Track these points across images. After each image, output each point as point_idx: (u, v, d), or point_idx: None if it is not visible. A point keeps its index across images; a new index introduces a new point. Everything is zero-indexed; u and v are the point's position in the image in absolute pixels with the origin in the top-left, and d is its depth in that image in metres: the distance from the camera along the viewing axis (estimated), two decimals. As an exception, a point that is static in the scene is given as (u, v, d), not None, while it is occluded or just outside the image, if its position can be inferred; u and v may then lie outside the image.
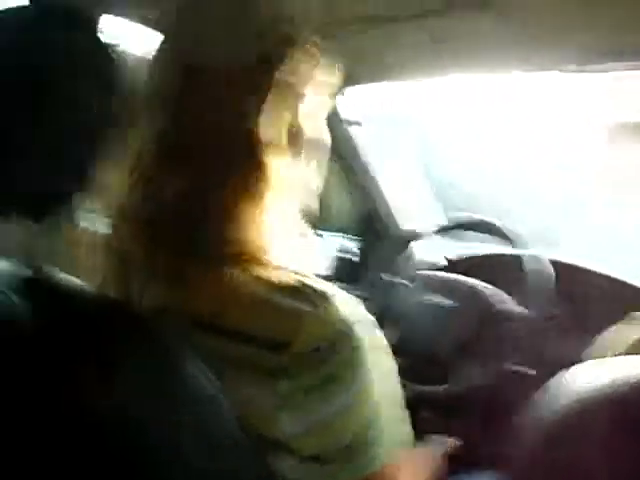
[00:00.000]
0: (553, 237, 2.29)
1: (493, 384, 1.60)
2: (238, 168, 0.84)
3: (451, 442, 1.34)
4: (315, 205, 0.96)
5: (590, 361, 0.68)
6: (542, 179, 2.41)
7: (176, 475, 0.75)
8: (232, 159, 0.84)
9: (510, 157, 2.50)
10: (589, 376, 0.58)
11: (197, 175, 0.84)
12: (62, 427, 0.69)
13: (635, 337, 0.80)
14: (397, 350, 1.65)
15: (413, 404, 1.74)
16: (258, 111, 0.84)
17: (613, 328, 0.83)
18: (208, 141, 0.84)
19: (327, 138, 0.95)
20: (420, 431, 1.76)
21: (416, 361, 1.70)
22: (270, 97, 0.85)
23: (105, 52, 0.80)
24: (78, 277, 0.87)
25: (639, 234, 2.02)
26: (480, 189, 2.46)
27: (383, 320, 1.86)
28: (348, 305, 0.83)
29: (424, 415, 1.81)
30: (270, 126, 0.85)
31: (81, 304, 0.82)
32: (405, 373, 1.62)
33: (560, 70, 1.45)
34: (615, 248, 2.23)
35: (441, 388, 1.61)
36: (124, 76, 0.81)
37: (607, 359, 0.75)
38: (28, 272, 0.82)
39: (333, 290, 0.83)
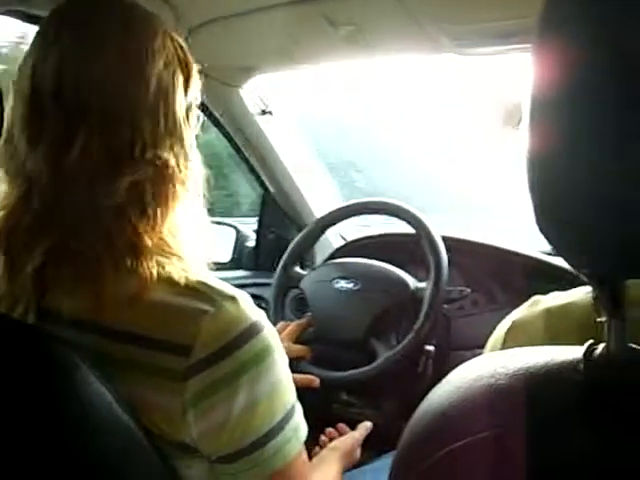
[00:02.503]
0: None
1: (405, 364, 1.62)
2: (141, 163, 0.83)
3: (369, 426, 1.35)
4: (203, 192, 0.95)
5: (483, 355, 0.70)
6: (438, 162, 2.48)
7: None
8: (135, 155, 0.82)
9: (413, 140, 2.55)
10: (473, 368, 0.60)
11: (92, 182, 0.81)
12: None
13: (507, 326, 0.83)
14: (312, 339, 1.70)
15: (333, 390, 1.79)
16: (156, 109, 0.84)
17: (513, 313, 0.85)
18: (106, 143, 0.82)
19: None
20: (342, 414, 1.80)
21: (332, 348, 1.71)
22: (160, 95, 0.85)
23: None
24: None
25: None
26: (382, 172, 2.51)
27: (295, 309, 1.90)
28: (247, 302, 0.83)
29: (345, 399, 1.84)
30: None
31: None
32: (321, 361, 1.67)
33: (457, 53, 1.47)
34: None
35: (357, 372, 1.62)
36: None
37: (497, 352, 0.77)
38: None
39: (231, 288, 0.83)
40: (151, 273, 0.80)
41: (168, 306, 0.80)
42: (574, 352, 0.55)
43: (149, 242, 0.82)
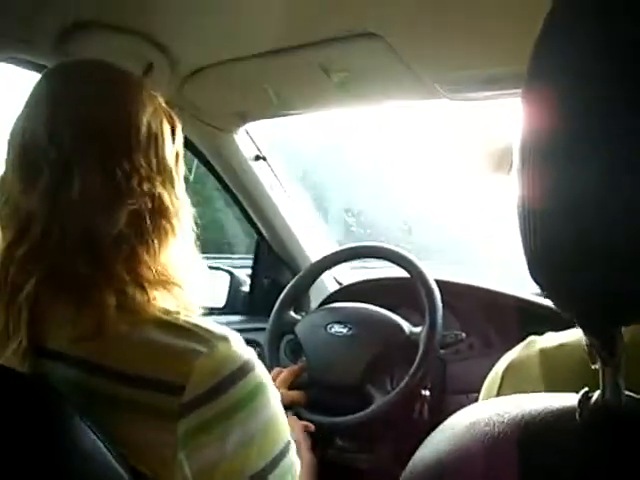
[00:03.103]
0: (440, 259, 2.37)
1: (401, 408, 1.61)
2: (136, 201, 0.85)
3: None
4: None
5: (478, 402, 0.70)
6: (435, 206, 2.50)
7: None
8: (132, 192, 0.85)
9: (407, 184, 2.57)
10: (469, 415, 0.59)
11: (93, 212, 0.84)
12: None
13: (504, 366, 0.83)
14: (307, 384, 1.68)
15: (328, 436, 1.77)
16: (153, 152, 0.89)
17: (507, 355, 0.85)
18: (106, 182, 0.85)
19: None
20: (336, 460, 1.78)
21: (327, 393, 1.70)
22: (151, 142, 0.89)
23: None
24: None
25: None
26: (377, 216, 2.52)
27: (290, 354, 1.89)
28: (239, 342, 0.84)
29: (340, 445, 1.82)
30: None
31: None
32: (316, 406, 1.65)
33: (450, 99, 1.49)
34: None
35: (352, 417, 1.60)
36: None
37: (492, 399, 0.76)
38: None
39: (222, 329, 0.84)
40: (145, 309, 0.82)
41: (160, 345, 0.81)
42: (570, 399, 0.54)
43: (149, 273, 0.84)
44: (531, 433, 0.53)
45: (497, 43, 1.21)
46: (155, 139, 0.89)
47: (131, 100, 0.89)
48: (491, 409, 0.58)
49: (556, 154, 0.49)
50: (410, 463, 0.61)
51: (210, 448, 0.79)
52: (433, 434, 0.61)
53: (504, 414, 0.56)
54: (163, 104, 0.95)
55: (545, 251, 0.51)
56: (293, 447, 0.88)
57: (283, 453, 0.85)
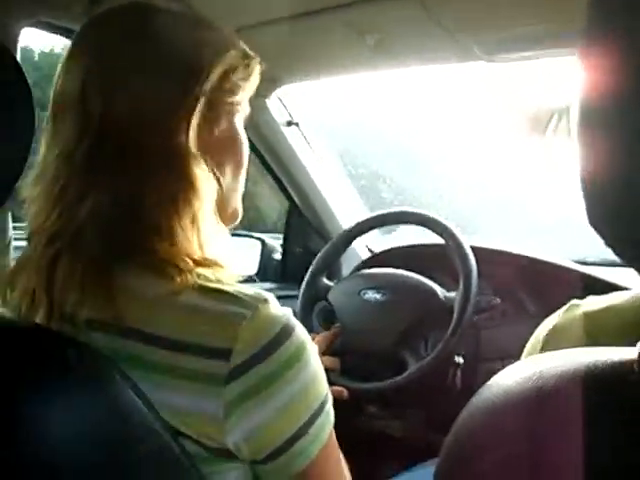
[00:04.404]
0: (473, 225, 2.36)
1: (435, 375, 1.61)
2: (167, 177, 0.84)
3: None
4: (239, 207, 0.98)
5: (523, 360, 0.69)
6: (467, 171, 2.48)
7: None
8: (161, 169, 0.84)
9: (438, 149, 2.55)
10: (518, 370, 0.58)
11: (124, 185, 0.83)
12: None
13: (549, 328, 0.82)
14: (340, 350, 1.68)
15: (361, 402, 1.77)
16: (187, 125, 0.84)
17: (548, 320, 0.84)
18: (137, 153, 0.83)
19: (245, 142, 0.96)
20: (368, 427, 1.79)
21: (360, 359, 1.70)
22: (198, 110, 0.85)
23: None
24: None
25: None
26: (408, 182, 2.50)
27: (323, 321, 1.89)
28: (277, 304, 0.83)
29: (373, 411, 1.83)
30: (199, 137, 0.86)
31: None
32: (350, 372, 1.65)
33: (487, 60, 1.46)
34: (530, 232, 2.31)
35: (387, 382, 1.60)
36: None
37: (538, 356, 0.75)
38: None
39: (260, 291, 0.83)
40: (187, 277, 0.81)
41: (203, 310, 0.80)
42: (627, 353, 0.53)
43: (185, 246, 0.83)
44: (586, 386, 0.52)
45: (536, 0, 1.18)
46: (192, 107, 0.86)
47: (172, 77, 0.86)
48: (542, 364, 0.57)
49: (621, 108, 0.47)
50: (458, 420, 0.60)
51: (258, 410, 0.79)
52: (482, 389, 0.60)
53: (556, 368, 0.55)
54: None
55: (605, 199, 0.50)
56: (330, 397, 0.88)
57: (322, 405, 0.84)
